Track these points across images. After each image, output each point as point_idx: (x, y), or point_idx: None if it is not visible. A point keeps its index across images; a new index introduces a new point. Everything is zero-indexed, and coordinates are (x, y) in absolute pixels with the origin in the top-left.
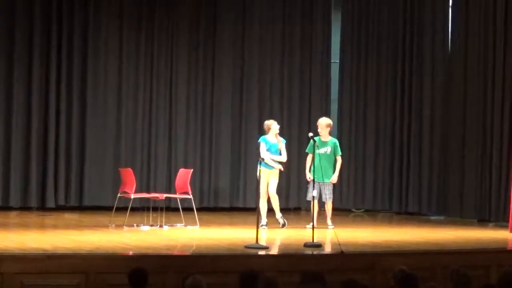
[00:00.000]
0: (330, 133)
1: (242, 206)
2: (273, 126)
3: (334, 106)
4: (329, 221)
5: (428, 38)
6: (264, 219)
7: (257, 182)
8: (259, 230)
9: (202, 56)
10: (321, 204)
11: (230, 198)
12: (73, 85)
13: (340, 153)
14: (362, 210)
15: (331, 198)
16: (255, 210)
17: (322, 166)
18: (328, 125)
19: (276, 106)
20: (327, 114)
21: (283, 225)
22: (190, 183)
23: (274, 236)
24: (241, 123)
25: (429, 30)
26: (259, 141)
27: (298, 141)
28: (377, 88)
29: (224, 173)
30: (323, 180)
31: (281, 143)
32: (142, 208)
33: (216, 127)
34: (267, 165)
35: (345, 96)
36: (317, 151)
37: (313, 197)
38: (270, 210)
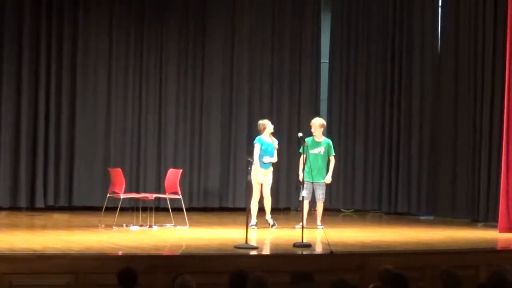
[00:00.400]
0: (323, 133)
1: (232, 206)
2: (268, 125)
3: (323, 106)
4: (319, 222)
5: (417, 37)
6: (254, 219)
7: (247, 182)
8: (248, 230)
9: (192, 56)
10: (313, 205)
11: (219, 198)
12: (62, 85)
13: (333, 153)
14: (351, 210)
15: (323, 199)
16: (245, 210)
17: (316, 166)
18: (322, 125)
19: (265, 106)
20: (317, 114)
21: (273, 226)
22: (180, 183)
23: (263, 236)
24: (231, 123)
25: (418, 29)
26: (254, 142)
27: (287, 141)
28: (366, 88)
29: (213, 173)
30: (316, 180)
31: (275, 143)
32: (132, 208)
33: (206, 127)
34: (264, 165)
35: (335, 96)
36: (310, 151)
37: (303, 197)
38: (260, 210)
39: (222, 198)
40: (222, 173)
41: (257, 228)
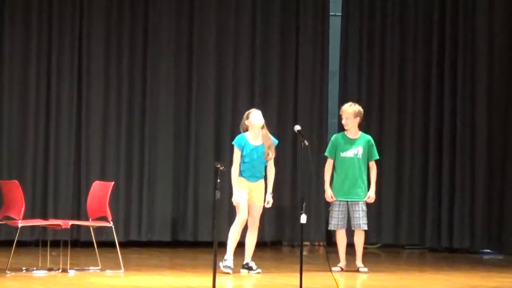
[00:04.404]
0: (359, 126)
1: (192, 240)
2: (253, 115)
3: (333, 82)
4: (359, 261)
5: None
6: (230, 258)
7: (214, 203)
8: (219, 276)
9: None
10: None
11: (172, 228)
12: None
13: (377, 157)
14: (377, 245)
15: (366, 225)
16: (210, 245)
17: (351, 176)
18: (358, 114)
19: (243, 82)
20: (322, 95)
21: (255, 272)
22: (110, 204)
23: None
24: (189, 115)
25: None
26: (233, 143)
27: (276, 137)
28: (400, 58)
29: (163, 190)
30: (353, 197)
31: (272, 145)
32: (36, 243)
33: (151, 121)
34: (253, 174)
35: (350, 68)
36: (341, 154)
37: (334, 225)
38: (239, 245)
39: (176, 228)
40: (177, 190)
41: (233, 273)
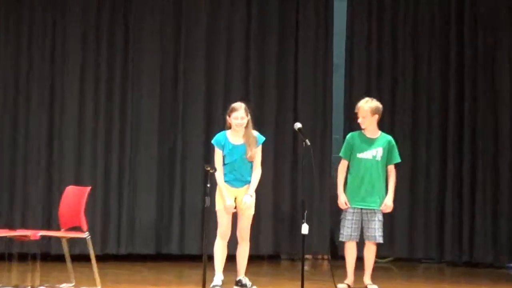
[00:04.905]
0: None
1: (177, 253)
2: (237, 111)
3: (339, 74)
4: (367, 278)
5: None
6: (218, 276)
7: (204, 211)
8: None
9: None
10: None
11: (156, 240)
12: None
13: (398, 160)
14: (388, 260)
15: (380, 238)
16: (199, 259)
17: (367, 181)
18: (375, 111)
19: (236, 75)
20: (325, 88)
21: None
22: (86, 212)
23: None
24: (176, 113)
25: None
26: (212, 142)
27: (274, 136)
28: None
29: (145, 197)
30: (368, 205)
31: (254, 143)
32: (1, 256)
33: (133, 119)
34: (236, 178)
35: (357, 59)
36: (357, 155)
37: (342, 236)
38: (230, 259)
39: (160, 239)
40: (161, 197)
41: None
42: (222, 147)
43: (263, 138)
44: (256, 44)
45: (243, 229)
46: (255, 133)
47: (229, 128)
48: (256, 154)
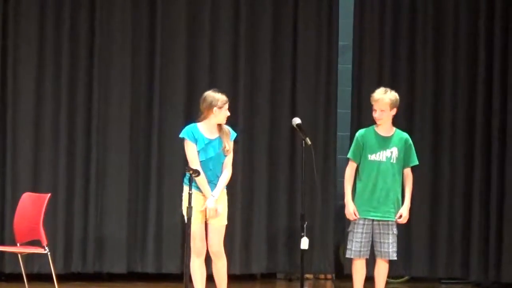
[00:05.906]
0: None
1: (153, 272)
2: (227, 105)
3: (345, 58)
4: None
5: None
6: None
7: (185, 223)
8: None
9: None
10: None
11: (128, 256)
12: None
13: (416, 162)
14: (405, 279)
15: (394, 254)
16: (179, 279)
17: (381, 187)
18: (395, 104)
19: (222, 62)
20: (329, 76)
21: None
22: (45, 224)
23: None
24: (151, 108)
25: None
26: (181, 136)
27: (267, 134)
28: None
29: (116, 206)
30: (381, 216)
31: (227, 136)
32: None
33: (100, 114)
34: (209, 182)
35: (367, 40)
36: (369, 157)
37: (354, 252)
38: (210, 278)
39: (133, 256)
40: (134, 206)
41: None
42: (196, 141)
43: (236, 134)
44: (247, 28)
45: (215, 244)
46: (227, 127)
47: (201, 118)
48: (229, 151)
